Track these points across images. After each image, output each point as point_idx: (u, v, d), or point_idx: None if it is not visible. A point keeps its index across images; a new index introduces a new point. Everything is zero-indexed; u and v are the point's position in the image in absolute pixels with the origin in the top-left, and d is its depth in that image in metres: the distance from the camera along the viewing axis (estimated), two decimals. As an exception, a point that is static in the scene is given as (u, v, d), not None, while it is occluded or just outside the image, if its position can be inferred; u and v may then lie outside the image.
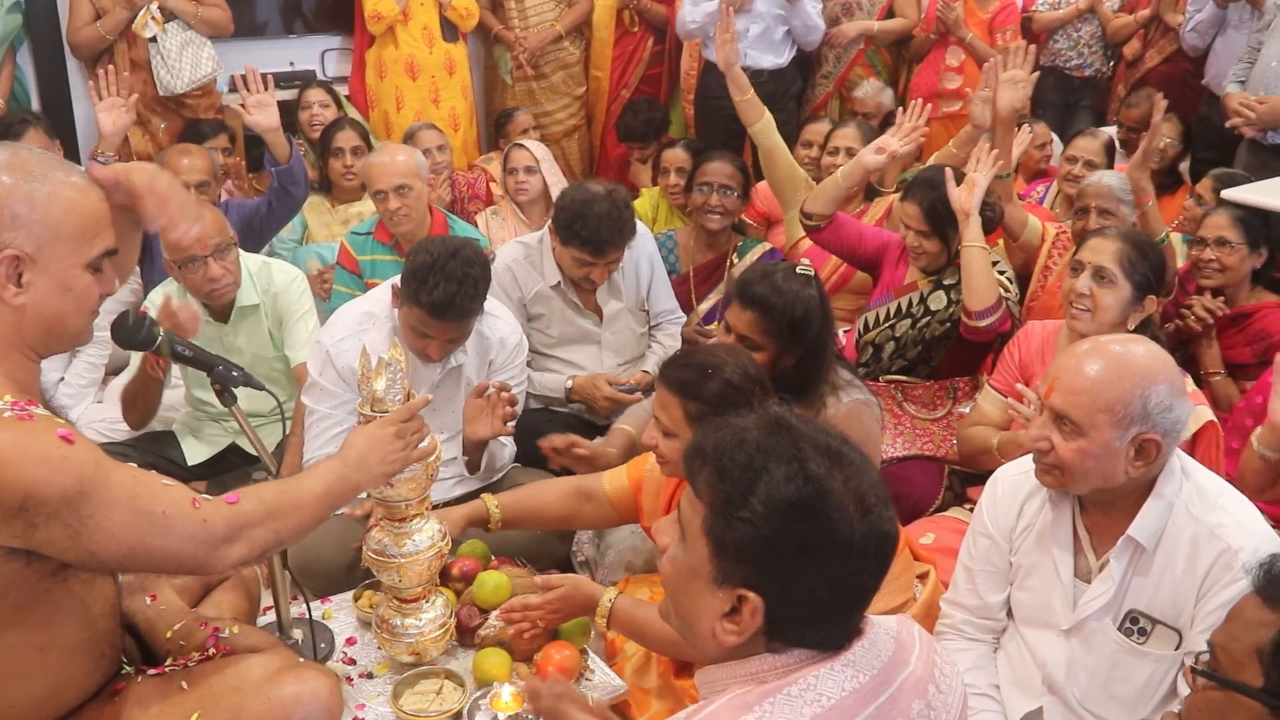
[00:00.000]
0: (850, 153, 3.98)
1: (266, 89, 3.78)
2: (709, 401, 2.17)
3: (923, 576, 2.48)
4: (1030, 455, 2.05)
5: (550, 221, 3.38)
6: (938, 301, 3.31)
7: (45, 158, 1.71)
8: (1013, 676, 2.15)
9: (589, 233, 3.22)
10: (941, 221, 3.27)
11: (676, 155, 4.61)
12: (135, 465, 1.72)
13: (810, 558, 1.24)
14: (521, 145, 4.53)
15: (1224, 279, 3.46)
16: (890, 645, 1.34)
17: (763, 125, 3.95)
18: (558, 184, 4.41)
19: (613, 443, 2.91)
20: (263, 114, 3.79)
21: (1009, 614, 2.19)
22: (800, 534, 1.24)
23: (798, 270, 2.63)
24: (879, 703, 1.28)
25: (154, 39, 4.66)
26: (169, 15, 4.67)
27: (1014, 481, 2.18)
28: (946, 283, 3.31)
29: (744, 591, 1.26)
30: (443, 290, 2.65)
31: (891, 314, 3.40)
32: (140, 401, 3.24)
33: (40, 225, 1.64)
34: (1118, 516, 1.98)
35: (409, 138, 4.76)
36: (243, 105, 3.82)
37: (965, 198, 3.18)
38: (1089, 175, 4.13)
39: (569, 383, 3.44)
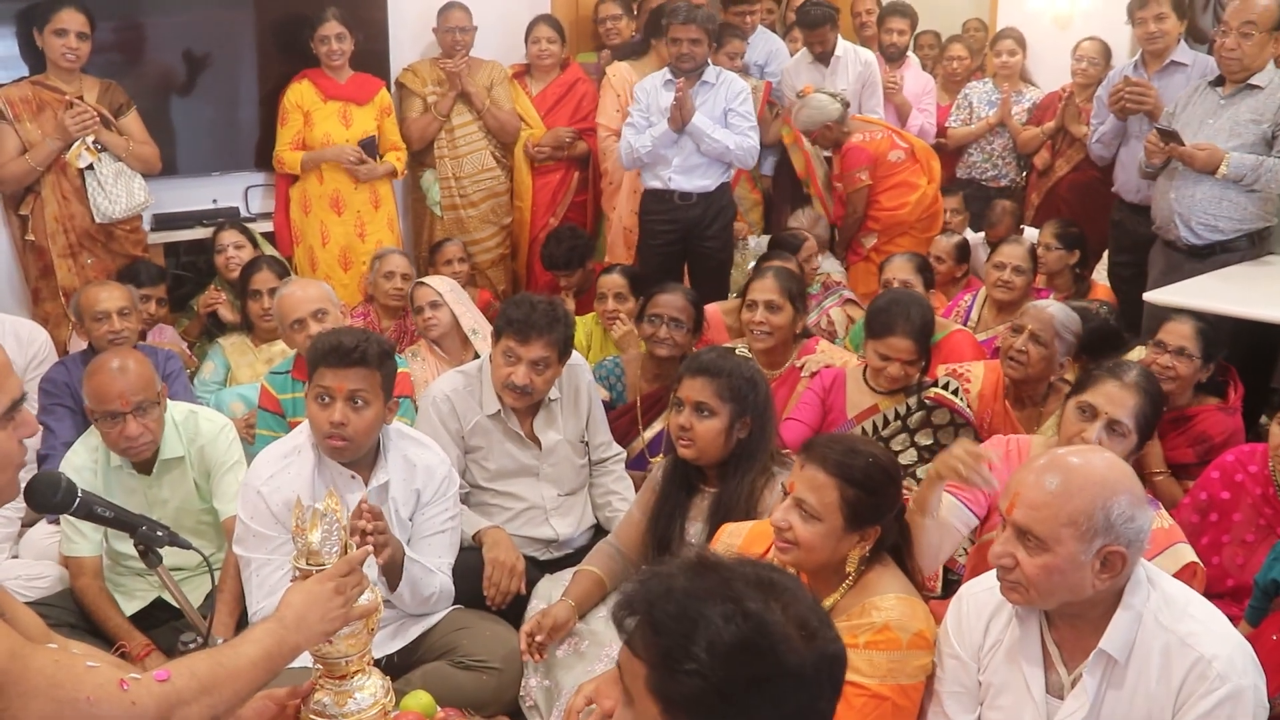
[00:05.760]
0: (771, 305, 3.80)
1: None
2: (863, 485, 2.16)
3: None
4: (994, 571, 2.00)
5: (492, 332, 3.37)
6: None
7: None
8: (988, 798, 2.08)
9: (519, 315, 3.19)
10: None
11: (613, 281, 4.55)
12: (58, 647, 1.60)
13: (763, 695, 1.21)
14: (422, 283, 4.40)
15: (1175, 387, 3.42)
16: None
17: None
18: (468, 313, 4.33)
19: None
20: None
21: (980, 735, 2.12)
22: (750, 674, 1.20)
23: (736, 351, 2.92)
24: None
25: (90, 167, 4.60)
26: (101, 147, 4.63)
27: (979, 599, 2.14)
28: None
29: None
30: (331, 338, 2.77)
31: (868, 432, 3.40)
32: None
33: None
34: (1087, 630, 1.95)
35: (379, 259, 4.85)
36: None
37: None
38: (1016, 281, 4.50)
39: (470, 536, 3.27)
